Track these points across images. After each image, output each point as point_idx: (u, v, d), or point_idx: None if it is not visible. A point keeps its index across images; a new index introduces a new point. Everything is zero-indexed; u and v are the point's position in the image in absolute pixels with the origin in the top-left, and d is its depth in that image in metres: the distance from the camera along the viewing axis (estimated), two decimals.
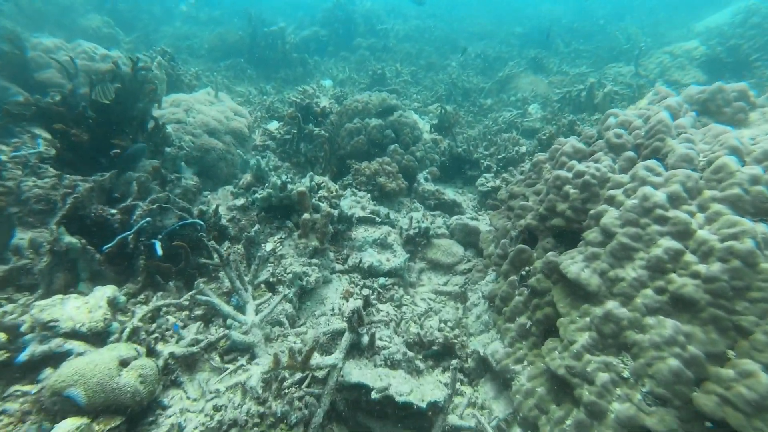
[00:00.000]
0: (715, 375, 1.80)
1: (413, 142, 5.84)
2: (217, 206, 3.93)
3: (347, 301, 3.25)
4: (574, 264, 2.48)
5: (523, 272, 2.93)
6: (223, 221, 3.96)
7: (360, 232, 4.42)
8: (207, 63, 12.32)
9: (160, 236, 2.97)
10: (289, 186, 3.88)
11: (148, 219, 2.92)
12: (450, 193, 5.92)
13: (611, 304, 2.19)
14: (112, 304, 2.33)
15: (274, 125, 6.42)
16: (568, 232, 2.84)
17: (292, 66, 11.51)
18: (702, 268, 2.00)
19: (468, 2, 24.77)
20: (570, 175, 2.87)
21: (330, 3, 14.66)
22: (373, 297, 3.56)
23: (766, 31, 9.45)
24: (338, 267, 3.97)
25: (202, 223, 3.23)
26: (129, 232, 2.82)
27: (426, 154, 5.85)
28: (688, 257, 2.07)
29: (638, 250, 2.25)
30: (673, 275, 2.08)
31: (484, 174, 5.71)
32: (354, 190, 5.00)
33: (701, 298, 1.95)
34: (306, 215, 3.67)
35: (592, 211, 2.60)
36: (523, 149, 6.28)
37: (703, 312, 1.93)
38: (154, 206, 3.04)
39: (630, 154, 2.78)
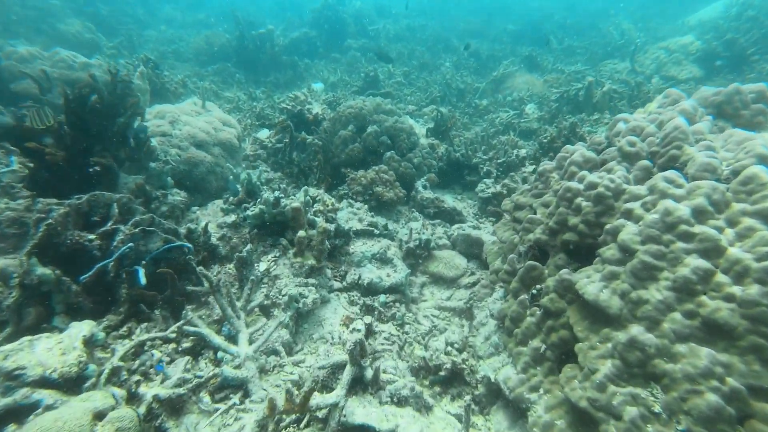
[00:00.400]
0: (761, 412, 1.64)
1: (410, 149, 5.67)
2: (207, 224, 3.73)
3: (347, 328, 3.07)
4: (591, 284, 2.32)
5: (534, 291, 2.76)
6: (213, 240, 3.76)
7: (358, 246, 4.24)
8: (194, 67, 12.07)
9: (143, 262, 2.77)
10: (283, 202, 3.70)
11: (131, 244, 2.72)
12: (449, 200, 5.76)
13: (636, 329, 2.03)
14: (89, 343, 2.13)
15: (264, 133, 6.22)
16: (581, 247, 2.68)
17: (281, 69, 11.30)
18: (737, 290, 1.85)
19: (459, 1, 24.66)
20: (581, 186, 2.72)
21: (319, 3, 14.46)
22: (374, 319, 3.38)
23: (762, 24, 9.40)
24: (336, 285, 3.79)
25: (189, 245, 3.03)
26: (109, 260, 2.61)
27: (423, 161, 5.68)
28: (720, 278, 1.92)
29: (662, 270, 2.09)
30: (703, 298, 1.93)
31: (484, 179, 5.56)
32: (350, 201, 4.82)
33: (739, 324, 1.79)
34: (301, 233, 3.48)
35: (607, 226, 2.44)
36: (523, 152, 6.13)
37: (742, 340, 1.78)
38: (137, 230, 2.84)
39: (645, 163, 2.63)
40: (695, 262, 1.99)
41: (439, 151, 6.34)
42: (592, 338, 2.25)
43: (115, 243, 2.73)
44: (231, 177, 4.15)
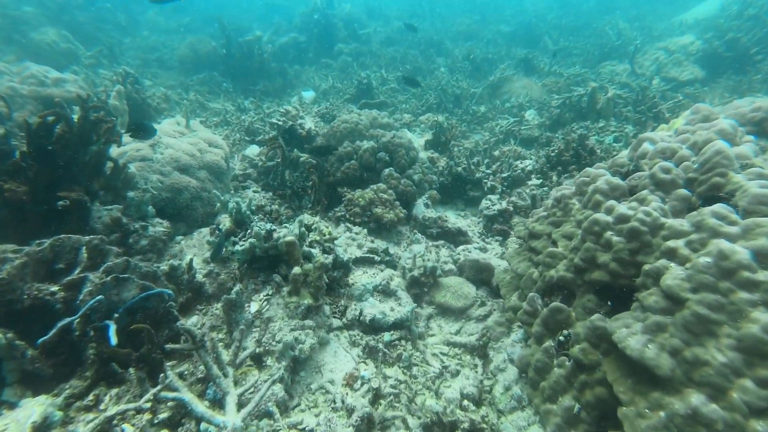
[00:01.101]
0: None
1: (409, 164, 5.37)
2: (191, 260, 3.41)
3: (351, 388, 2.75)
4: (632, 336, 2.04)
5: (561, 337, 2.47)
6: (199, 277, 3.44)
7: (358, 276, 3.93)
8: (179, 76, 11.71)
9: (116, 315, 2.44)
10: (276, 234, 3.38)
11: (100, 297, 2.38)
12: (452, 216, 5.49)
13: (696, 399, 1.75)
14: (41, 429, 1.80)
15: (254, 150, 5.89)
16: (613, 288, 2.40)
17: (271, 77, 10.98)
18: None
19: (450, 2, 24.52)
20: (610, 219, 2.44)
21: (307, 8, 14.16)
22: (378, 362, 3.07)
23: (764, 22, 9.26)
24: (336, 323, 3.48)
25: (170, 292, 2.70)
26: (73, 318, 2.28)
27: (424, 177, 5.39)
28: None
29: (722, 324, 1.81)
30: None
31: (488, 195, 5.28)
32: (348, 225, 4.51)
33: None
34: (296, 269, 3.17)
35: (647, 267, 2.16)
36: (528, 165, 5.87)
37: None
38: (109, 278, 2.51)
39: (683, 193, 2.35)
40: (764, 317, 1.71)
41: (440, 164, 6.06)
42: (638, 402, 1.96)
43: (82, 295, 2.39)
44: (218, 205, 3.82)
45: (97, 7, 12.87)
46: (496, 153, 6.62)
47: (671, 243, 2.13)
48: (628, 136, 5.62)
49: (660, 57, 10.39)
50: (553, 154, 5.02)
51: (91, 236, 2.71)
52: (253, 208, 3.91)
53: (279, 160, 4.73)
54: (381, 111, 8.32)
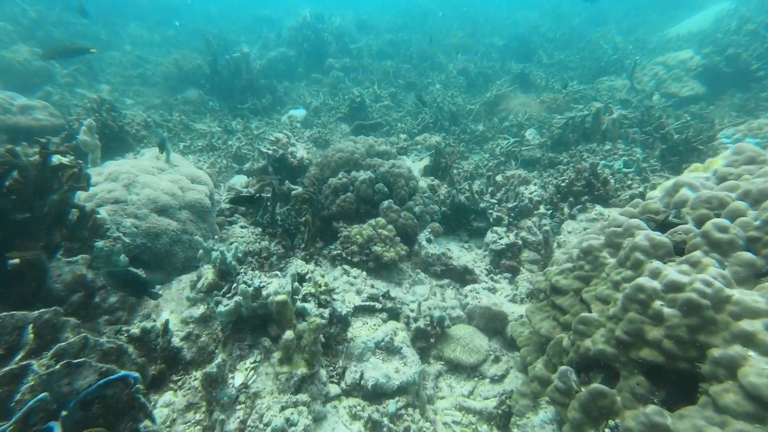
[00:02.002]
0: None
1: (409, 195, 5.02)
2: (167, 322, 2.99)
3: None
4: None
5: (608, 429, 2.10)
6: (176, 340, 3.02)
7: (358, 329, 3.54)
8: (162, 94, 11.30)
9: (64, 413, 2.01)
10: (264, 291, 2.98)
11: (44, 395, 1.96)
12: (455, 249, 5.13)
13: None
14: None
15: (241, 180, 5.50)
16: (669, 370, 2.04)
17: (259, 94, 10.61)
18: None
19: (441, 12, 24.50)
20: (659, 285, 2.09)
21: (296, 21, 13.88)
22: None
23: (764, 38, 9.16)
24: (333, 389, 3.07)
25: (136, 375, 2.28)
26: (4, 427, 1.85)
27: (425, 208, 5.04)
28: None
29: None
30: None
31: (495, 228, 4.93)
32: (345, 267, 4.12)
33: None
34: (288, 334, 2.77)
35: (716, 354, 1.81)
36: (534, 192, 5.56)
37: None
38: (59, 365, 2.08)
39: (749, 257, 2.02)
40: None
41: (440, 192, 5.72)
42: None
43: (19, 394, 1.96)
44: (201, 252, 3.41)
45: (75, 22, 12.41)
46: (499, 178, 6.30)
47: (746, 325, 1.78)
48: (639, 162, 5.34)
49: (659, 72, 10.25)
50: (563, 183, 4.70)
51: (41, 310, 2.28)
52: (240, 254, 3.50)
53: (268, 195, 4.33)
54: (376, 132, 8.01)
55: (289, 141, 5.30)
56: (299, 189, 4.68)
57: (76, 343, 2.25)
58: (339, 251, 4.43)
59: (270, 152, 5.18)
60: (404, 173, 5.06)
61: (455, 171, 6.18)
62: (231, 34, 18.12)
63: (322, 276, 3.48)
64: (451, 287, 4.43)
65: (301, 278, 3.47)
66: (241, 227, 4.92)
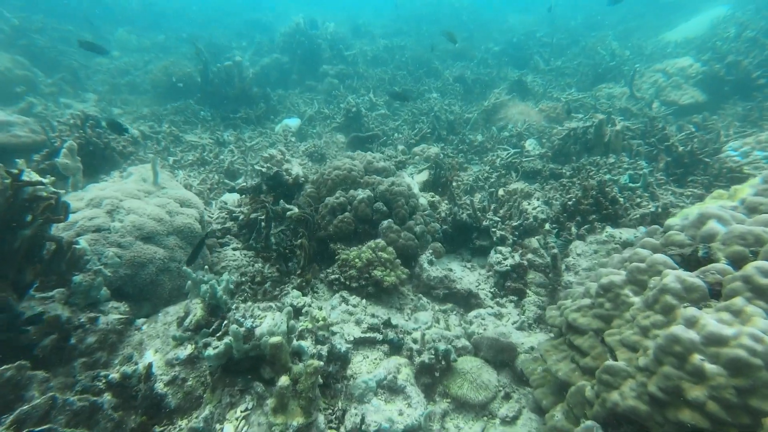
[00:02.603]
0: None
1: (410, 214, 4.83)
2: (150, 364, 2.77)
3: None
4: None
5: None
6: (159, 386, 2.80)
7: (358, 364, 3.35)
8: (152, 103, 11.05)
9: None
10: (258, 330, 2.77)
11: None
12: (457, 269, 4.96)
13: None
14: None
15: (234, 198, 5.29)
16: None
17: (252, 103, 10.40)
18: None
19: (435, 17, 24.44)
20: (697, 337, 1.91)
21: (289, 27, 13.70)
22: None
23: (763, 46, 9.12)
24: None
25: None
26: None
27: (426, 227, 4.86)
28: None
29: None
30: None
31: (499, 247, 4.76)
32: (344, 295, 3.92)
33: None
34: (283, 380, 2.56)
35: None
36: (539, 210, 5.41)
37: None
38: None
39: None
40: None
41: (441, 209, 5.55)
42: None
43: None
44: (189, 283, 3.20)
45: (60, 29, 12.12)
46: (501, 193, 6.14)
47: None
48: (647, 176, 5.20)
49: (658, 80, 10.18)
50: (570, 202, 4.54)
51: (3, 367, 2.06)
52: (232, 286, 3.29)
53: (263, 218, 4.13)
54: (373, 144, 7.83)
55: (283, 158, 5.10)
56: (295, 209, 4.48)
57: (41, 405, 2.03)
58: (337, 275, 4.24)
59: (264, 170, 4.98)
60: (404, 191, 4.88)
61: (455, 185, 6.01)
62: (222, 39, 17.89)
63: (320, 309, 3.28)
64: (454, 312, 4.24)
65: (297, 311, 3.27)
66: (234, 249, 4.71)
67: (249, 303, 3.56)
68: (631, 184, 5.32)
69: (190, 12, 24.86)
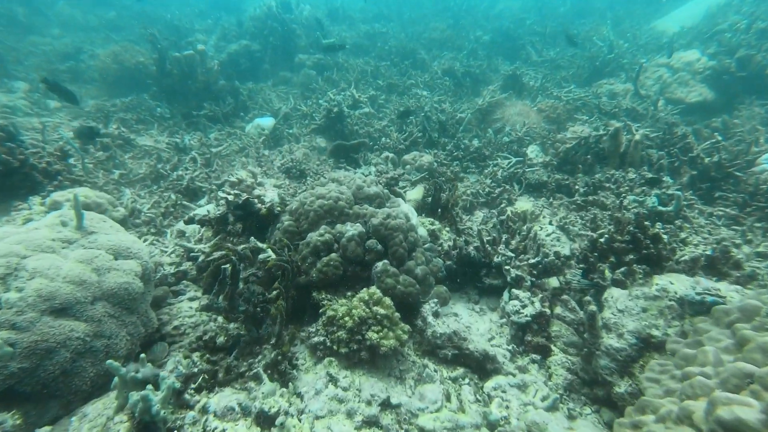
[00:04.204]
0: None
1: (409, 252, 4.10)
2: None
3: None
4: None
5: None
6: None
7: None
8: (100, 94, 9.88)
9: None
10: None
11: None
12: (464, 313, 4.30)
13: None
14: None
15: (193, 229, 4.43)
16: None
17: (218, 98, 9.37)
18: None
19: (418, 2, 23.48)
20: None
21: (260, 10, 12.57)
22: None
23: None
24: None
25: None
26: None
27: (428, 267, 4.13)
28: None
29: None
30: None
31: (514, 291, 4.09)
32: (331, 374, 3.18)
33: None
34: None
35: None
36: (553, 237, 4.77)
37: None
38: None
39: None
40: None
41: (443, 239, 4.84)
42: None
43: None
44: (116, 381, 2.39)
45: None
46: (508, 212, 5.47)
47: None
48: (680, 199, 4.60)
49: (663, 75, 9.67)
50: (601, 240, 3.88)
51: None
52: (178, 386, 2.50)
53: (228, 280, 3.30)
54: (358, 153, 7.01)
55: (255, 181, 4.26)
56: (269, 252, 3.67)
57: None
58: (322, 338, 3.48)
59: (230, 197, 4.14)
60: (401, 225, 4.12)
61: (458, 210, 5.30)
62: (184, 20, 16.49)
63: (299, 420, 2.52)
64: (467, 381, 3.56)
65: (268, 421, 2.50)
66: (190, 300, 3.89)
67: (203, 397, 2.77)
68: (660, 208, 4.72)
69: None
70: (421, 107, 9.15)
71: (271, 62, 12.14)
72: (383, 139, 7.89)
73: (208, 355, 3.20)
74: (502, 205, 5.43)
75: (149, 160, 6.60)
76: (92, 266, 2.93)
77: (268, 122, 8.60)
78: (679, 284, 3.19)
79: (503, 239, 4.58)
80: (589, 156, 6.19)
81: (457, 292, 4.63)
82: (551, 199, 6.37)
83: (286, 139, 8.35)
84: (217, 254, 3.56)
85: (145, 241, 4.48)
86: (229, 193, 4.22)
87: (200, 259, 3.93)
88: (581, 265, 3.90)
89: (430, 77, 11.82)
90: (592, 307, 3.24)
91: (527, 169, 6.93)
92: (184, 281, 3.91)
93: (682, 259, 3.51)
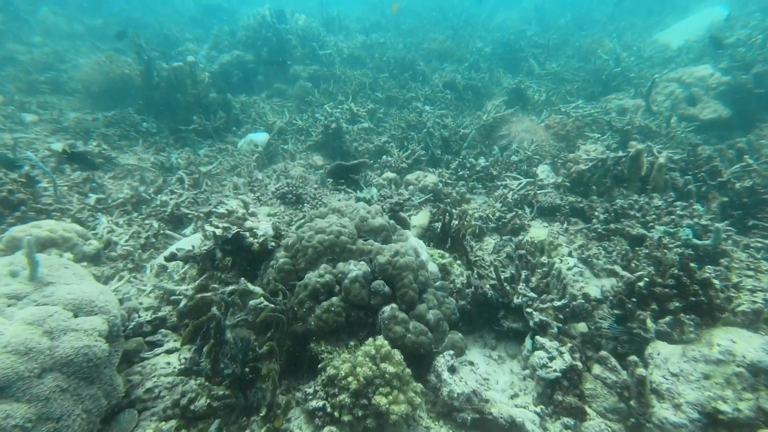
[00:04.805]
0: None
1: (419, 293, 3.65)
2: None
3: None
4: None
5: None
6: None
7: None
8: (82, 107, 9.40)
9: None
10: None
11: None
12: (480, 360, 3.88)
13: None
14: None
15: (176, 266, 3.96)
16: None
17: (209, 111, 8.92)
18: None
19: (415, 11, 23.30)
20: None
21: (253, 20, 12.20)
22: None
23: None
24: None
25: None
26: None
27: (440, 310, 3.69)
28: None
29: None
30: None
31: (539, 338, 3.64)
32: None
33: None
34: None
35: None
36: (576, 272, 4.35)
37: None
38: None
39: None
40: None
41: (454, 274, 4.40)
42: None
43: None
44: None
45: None
46: (524, 243, 5.06)
47: None
48: (719, 232, 4.20)
49: (675, 90, 9.38)
50: (641, 284, 3.45)
51: None
52: None
53: (211, 342, 2.83)
54: (359, 174, 6.57)
55: (246, 212, 3.81)
56: (261, 300, 3.20)
57: None
58: (321, 401, 3.01)
59: (219, 231, 3.68)
60: (411, 263, 3.68)
61: (469, 240, 4.87)
62: (173, 28, 16.09)
63: None
64: None
65: None
66: (168, 352, 3.40)
67: None
68: (696, 241, 4.31)
69: None
70: (423, 122, 8.75)
71: (265, 74, 11.73)
72: (384, 156, 7.47)
73: (184, 431, 2.71)
74: (520, 238, 4.97)
75: (131, 181, 6.14)
76: (44, 328, 2.44)
77: (261, 138, 8.17)
78: (744, 344, 2.75)
79: (522, 276, 4.14)
80: (607, 179, 5.80)
81: (471, 334, 4.18)
82: (566, 224, 5.97)
83: (280, 155, 7.92)
84: (200, 295, 3.09)
85: (120, 279, 3.99)
86: (217, 226, 3.76)
87: (182, 304, 3.45)
88: (615, 311, 3.47)
89: (430, 90, 11.47)
90: (641, 371, 2.80)
91: (539, 191, 6.53)
92: (162, 330, 3.42)
93: (739, 309, 3.08)
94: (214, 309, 2.96)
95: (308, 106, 10.32)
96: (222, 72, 11.55)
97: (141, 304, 3.63)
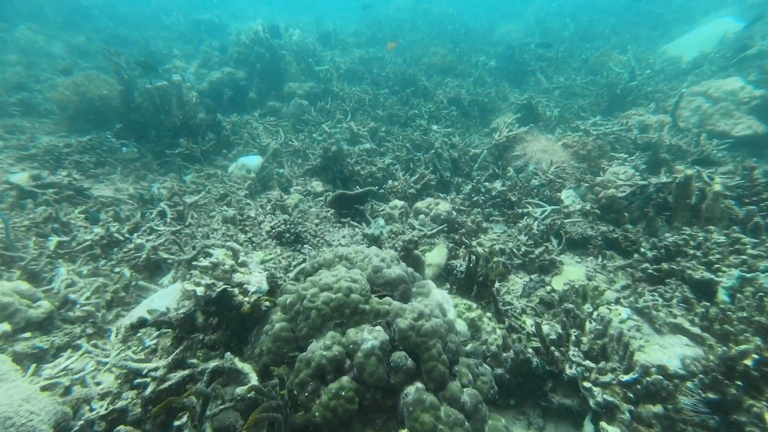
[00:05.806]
0: None
1: (450, 366, 2.97)
2: None
3: None
4: None
5: None
6: None
7: None
8: (57, 130, 8.78)
9: None
10: None
11: None
12: None
13: None
14: None
15: (147, 334, 3.27)
16: None
17: (197, 133, 8.31)
18: None
19: (413, 23, 23.04)
20: None
21: (246, 36, 11.71)
22: None
23: None
24: None
25: None
26: None
27: (477, 384, 3.01)
28: None
29: None
30: None
31: (605, 426, 2.95)
32: None
33: None
34: None
35: None
36: (642, 338, 3.70)
37: None
38: None
39: None
40: None
41: (484, 331, 3.73)
42: None
43: None
44: None
45: None
46: (560, 291, 4.41)
47: None
48: None
49: (702, 105, 8.87)
50: (731, 363, 2.79)
51: None
52: None
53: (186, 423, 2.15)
54: (365, 205, 5.93)
55: (236, 262, 3.16)
56: (249, 388, 2.52)
57: None
58: None
59: (200, 289, 3.01)
60: (438, 327, 3.01)
61: (497, 287, 4.22)
62: (160, 44, 15.60)
63: None
64: None
65: None
66: None
67: None
68: None
69: (119, 12, 22.01)
70: (429, 142, 8.18)
71: (257, 91, 11.18)
72: (390, 181, 6.85)
73: None
74: (566, 288, 4.30)
75: (106, 215, 5.47)
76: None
77: (254, 162, 7.55)
78: None
79: (573, 337, 3.47)
80: (650, 208, 5.19)
81: (509, 409, 3.49)
82: (601, 259, 5.35)
83: (275, 180, 7.29)
84: (170, 399, 2.40)
85: (78, 348, 3.30)
86: (200, 280, 3.09)
87: (149, 390, 2.75)
88: (706, 395, 2.81)
89: (434, 106, 10.94)
90: None
91: (566, 221, 5.91)
92: (119, 429, 2.70)
93: None
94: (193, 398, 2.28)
95: (305, 125, 9.75)
96: (212, 90, 11.01)
97: (98, 385, 2.93)
